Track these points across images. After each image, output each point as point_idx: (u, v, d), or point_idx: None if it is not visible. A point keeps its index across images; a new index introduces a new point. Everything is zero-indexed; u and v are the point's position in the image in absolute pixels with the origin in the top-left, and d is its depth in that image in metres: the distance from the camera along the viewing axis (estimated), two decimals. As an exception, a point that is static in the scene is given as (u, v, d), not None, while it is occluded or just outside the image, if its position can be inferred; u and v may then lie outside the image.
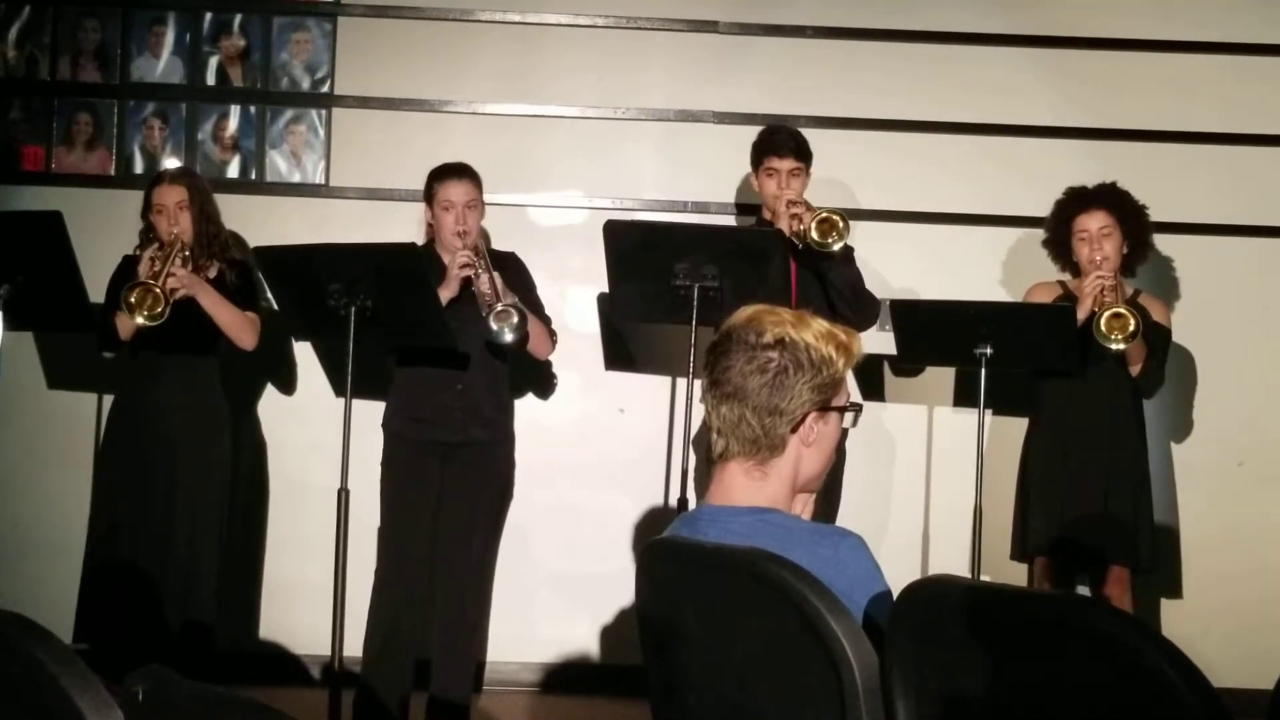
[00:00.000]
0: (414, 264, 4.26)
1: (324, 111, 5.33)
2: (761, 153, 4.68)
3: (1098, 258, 4.62)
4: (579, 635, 5.26)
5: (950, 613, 1.68)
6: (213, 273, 4.67)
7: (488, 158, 4.94)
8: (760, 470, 2.13)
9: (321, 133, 5.33)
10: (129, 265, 4.62)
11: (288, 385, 5.28)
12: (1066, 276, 4.82)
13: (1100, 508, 4.65)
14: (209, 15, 5.34)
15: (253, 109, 5.33)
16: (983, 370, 4.49)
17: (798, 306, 3.30)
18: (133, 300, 4.38)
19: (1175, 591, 5.24)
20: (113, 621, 4.56)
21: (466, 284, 4.47)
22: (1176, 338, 4.90)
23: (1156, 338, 4.68)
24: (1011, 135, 5.33)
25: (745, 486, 2.14)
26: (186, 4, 5.33)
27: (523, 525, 5.21)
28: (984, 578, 4.56)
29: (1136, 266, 4.80)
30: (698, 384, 3.06)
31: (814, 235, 4.44)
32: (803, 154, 4.66)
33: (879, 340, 4.94)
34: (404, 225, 4.98)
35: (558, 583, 5.25)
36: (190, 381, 4.66)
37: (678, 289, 4.36)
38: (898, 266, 5.25)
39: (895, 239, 5.29)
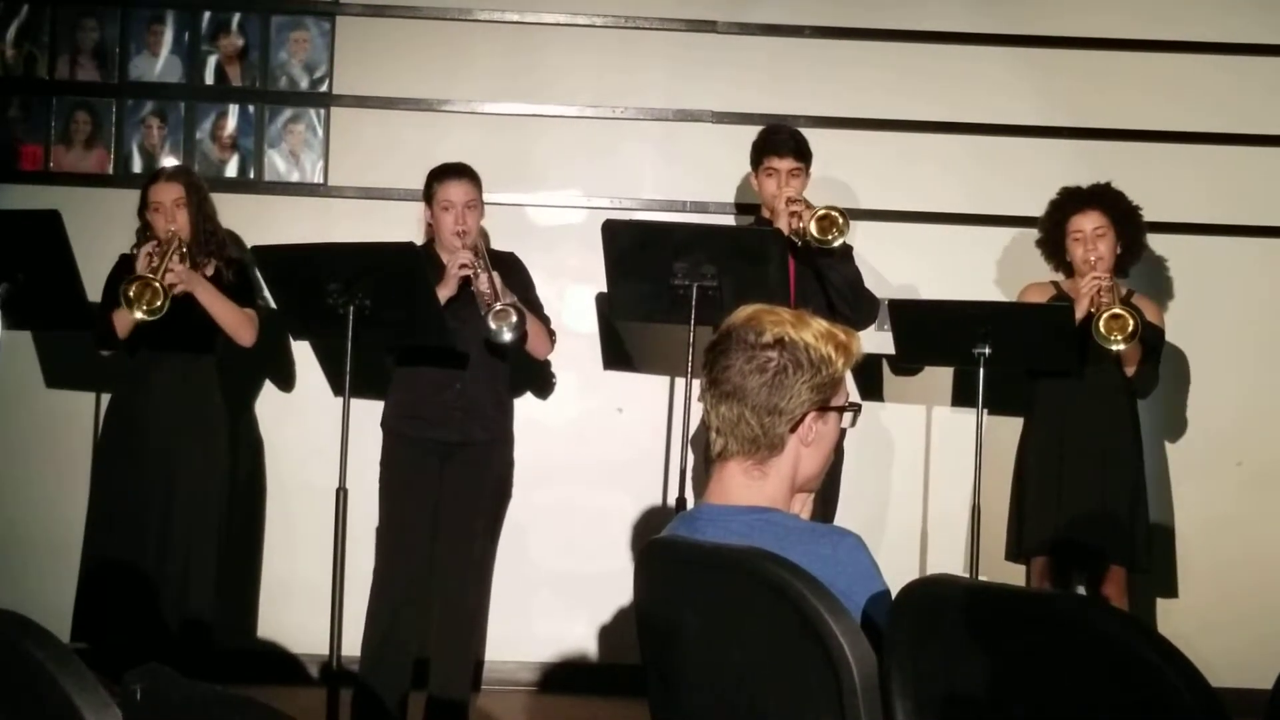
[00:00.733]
0: (413, 263, 4.25)
1: (322, 111, 5.33)
2: (761, 152, 4.69)
3: (1092, 258, 4.63)
4: (577, 634, 5.27)
5: (948, 612, 1.68)
6: (210, 270, 4.67)
7: (486, 157, 4.94)
8: (759, 470, 2.13)
9: (320, 132, 5.33)
10: (126, 263, 4.62)
11: (286, 383, 5.27)
12: (1060, 277, 4.83)
13: (1096, 507, 4.65)
14: (207, 14, 5.34)
15: (251, 108, 5.33)
16: (981, 370, 4.49)
17: (797, 306, 3.30)
18: (131, 294, 4.38)
19: (1172, 591, 5.25)
20: (111, 620, 4.56)
21: (465, 283, 4.47)
22: (1170, 338, 4.91)
23: (1151, 338, 4.69)
24: (1010, 135, 5.33)
25: (744, 486, 2.14)
26: (185, 3, 5.33)
27: (521, 525, 5.21)
28: (982, 577, 4.56)
29: (1130, 267, 4.81)
30: (696, 383, 3.06)
31: (814, 232, 4.44)
32: (802, 154, 4.67)
33: (877, 340, 4.95)
34: (402, 224, 4.98)
35: (556, 582, 5.25)
36: (187, 380, 4.66)
37: (676, 288, 4.36)
38: (896, 266, 5.25)
39: (894, 238, 5.30)
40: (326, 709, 4.12)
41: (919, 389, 5.28)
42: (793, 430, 2.12)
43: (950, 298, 4.86)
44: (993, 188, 5.33)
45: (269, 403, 5.28)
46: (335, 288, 4.14)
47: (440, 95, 5.33)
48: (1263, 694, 1.59)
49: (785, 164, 4.63)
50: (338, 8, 5.34)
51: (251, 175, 5.32)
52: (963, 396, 5.20)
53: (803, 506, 2.20)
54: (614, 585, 4.97)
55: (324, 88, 5.33)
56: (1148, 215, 4.81)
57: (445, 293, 4.41)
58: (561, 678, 5.25)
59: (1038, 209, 4.87)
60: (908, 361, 5.01)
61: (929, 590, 1.75)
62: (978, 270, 5.29)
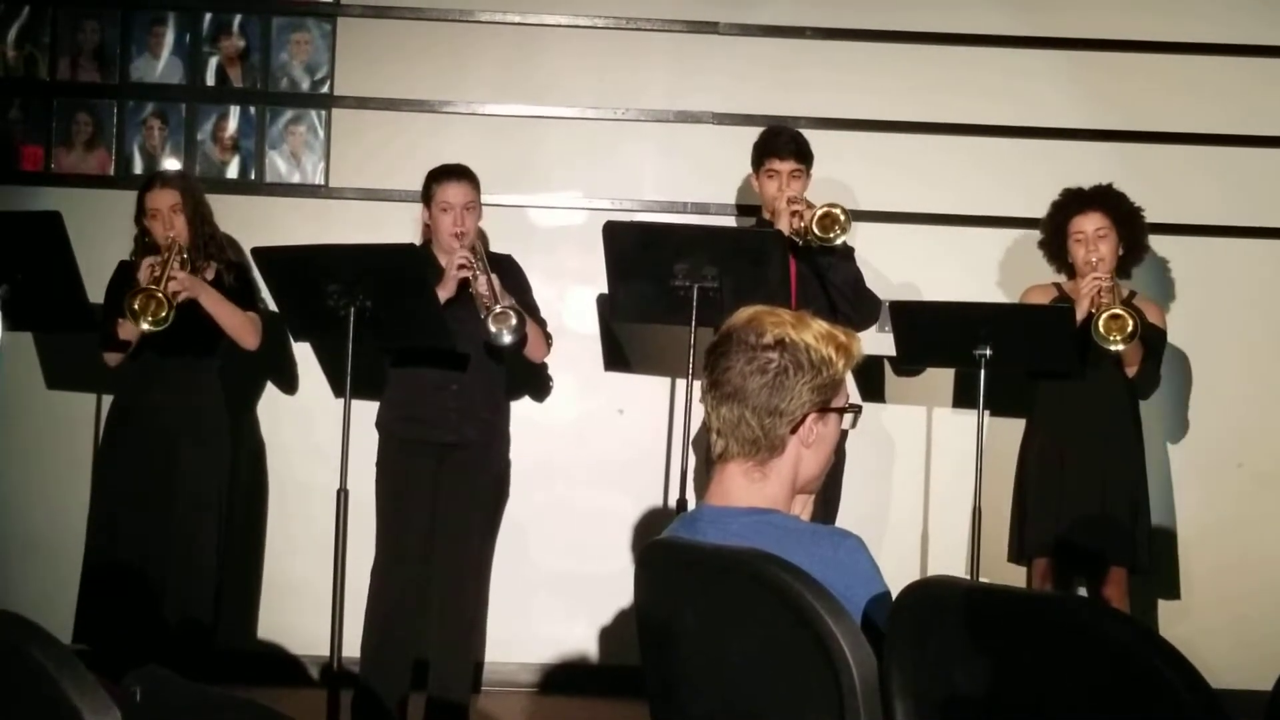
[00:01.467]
0: (413, 265, 4.26)
1: (323, 112, 5.33)
2: (762, 154, 4.69)
3: (1094, 259, 4.63)
4: (578, 636, 5.27)
5: (949, 614, 1.68)
6: (210, 274, 4.67)
7: (487, 158, 4.94)
8: (760, 471, 2.13)
9: (321, 133, 5.33)
10: (125, 271, 4.62)
11: (289, 385, 5.28)
12: (1062, 278, 4.83)
13: (1098, 509, 4.65)
14: (208, 16, 5.34)
15: (252, 109, 5.33)
16: (982, 371, 4.49)
17: (798, 307, 3.30)
18: (136, 307, 4.39)
19: (1173, 592, 5.25)
20: (112, 622, 4.56)
21: (463, 285, 4.47)
22: (1172, 339, 4.90)
23: (1152, 339, 4.69)
24: (1010, 136, 5.33)
25: (745, 487, 2.14)
26: (186, 4, 5.33)
27: (522, 526, 5.21)
28: (983, 579, 4.56)
29: (1132, 268, 4.81)
30: (697, 385, 3.06)
31: (816, 230, 4.44)
32: (803, 155, 4.67)
33: (879, 341, 4.95)
34: (403, 226, 4.99)
35: (557, 583, 5.25)
36: (188, 383, 4.66)
37: (677, 290, 4.36)
38: (897, 267, 5.25)
39: (895, 240, 5.29)
40: (327, 710, 4.12)
41: (920, 390, 5.28)
42: (793, 431, 2.12)
43: (951, 299, 4.86)
44: (994, 189, 5.33)
45: (270, 404, 5.28)
46: (336, 289, 4.14)
47: (441, 97, 5.33)
48: (1263, 696, 1.59)
49: (786, 165, 4.63)
50: (339, 9, 5.34)
51: (252, 177, 5.32)
52: (964, 398, 5.20)
53: (803, 508, 2.20)
54: (614, 587, 4.97)
55: (325, 89, 5.34)
56: (1152, 216, 4.81)
57: (443, 294, 4.41)
58: (562, 679, 5.25)
59: (1039, 211, 4.87)
60: (909, 363, 5.01)
61: (929, 592, 1.75)
62: (979, 272, 5.29)
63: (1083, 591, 4.86)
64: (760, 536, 2.04)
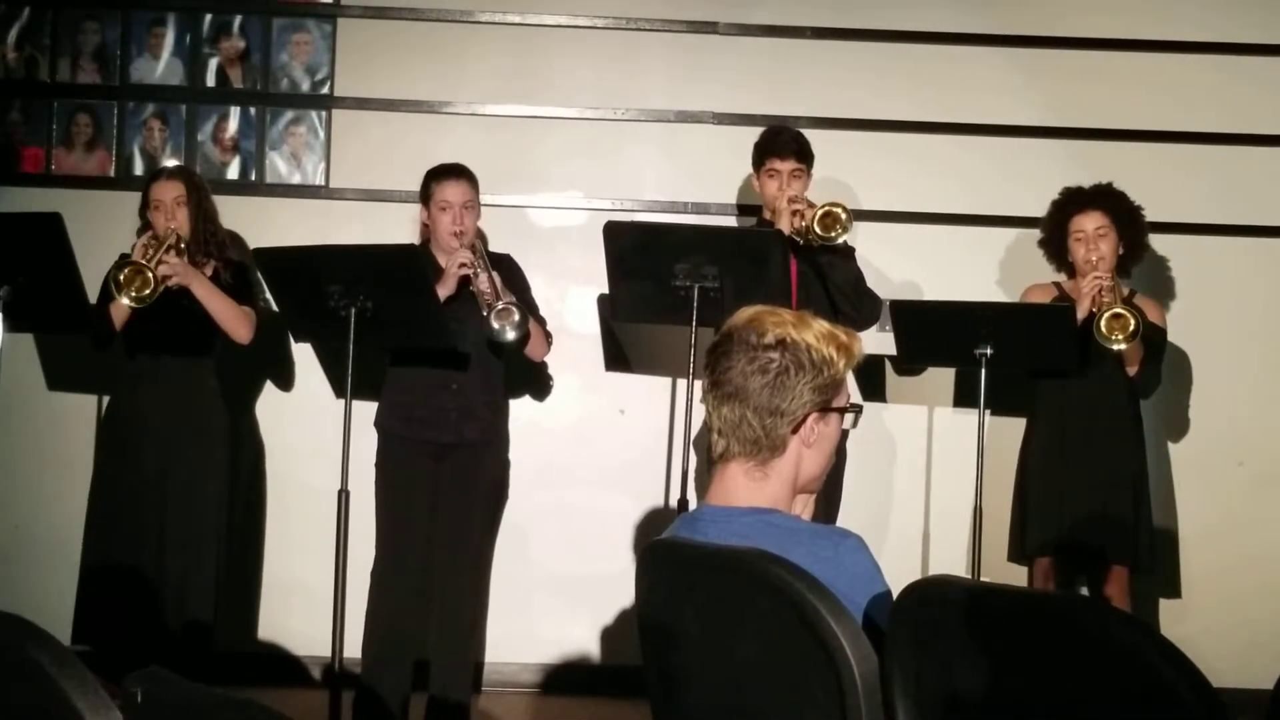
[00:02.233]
0: (414, 265, 4.25)
1: (324, 113, 5.33)
2: (763, 154, 4.68)
3: (1094, 258, 4.63)
4: (579, 636, 5.27)
5: (950, 613, 1.68)
6: (208, 271, 4.67)
7: (487, 159, 4.94)
8: (761, 471, 2.13)
9: (321, 134, 5.33)
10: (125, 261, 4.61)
11: (286, 383, 5.27)
12: (1062, 277, 4.82)
13: (1099, 508, 4.65)
14: (209, 17, 5.34)
15: (252, 110, 5.33)
16: (983, 371, 4.49)
17: (799, 306, 3.30)
18: (122, 279, 4.37)
19: (1174, 591, 5.25)
20: (112, 623, 4.56)
21: (464, 284, 4.47)
22: (1172, 338, 4.91)
23: (1152, 338, 4.69)
24: (1012, 136, 5.33)
25: (746, 487, 2.14)
26: (186, 5, 5.33)
27: (523, 526, 5.21)
28: (984, 578, 4.56)
29: (1132, 267, 4.81)
30: (698, 385, 3.06)
31: (817, 229, 4.44)
32: (804, 155, 4.67)
33: (879, 340, 4.95)
34: (404, 226, 4.99)
35: (558, 583, 5.25)
36: (187, 382, 4.65)
37: (678, 290, 4.36)
38: (898, 266, 5.25)
39: (896, 239, 5.29)
40: (328, 711, 4.12)
41: (921, 390, 5.28)
42: (794, 431, 2.12)
43: (952, 298, 4.86)
44: (995, 189, 5.33)
45: (270, 404, 5.28)
46: (337, 290, 4.14)
47: (441, 97, 5.33)
48: (1265, 694, 1.59)
49: (787, 165, 4.63)
50: (339, 10, 5.34)
51: (253, 177, 5.32)
52: (965, 397, 5.20)
53: (804, 508, 2.20)
54: (615, 587, 4.97)
55: (325, 90, 5.34)
56: (1152, 216, 4.81)
57: (444, 292, 4.41)
58: (563, 679, 5.25)
59: (1040, 210, 4.87)
60: (910, 362, 5.01)
61: (930, 591, 1.75)
62: (980, 271, 5.29)
63: (1084, 591, 4.86)
64: (761, 536, 2.04)
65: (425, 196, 4.60)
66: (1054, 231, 4.77)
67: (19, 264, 4.21)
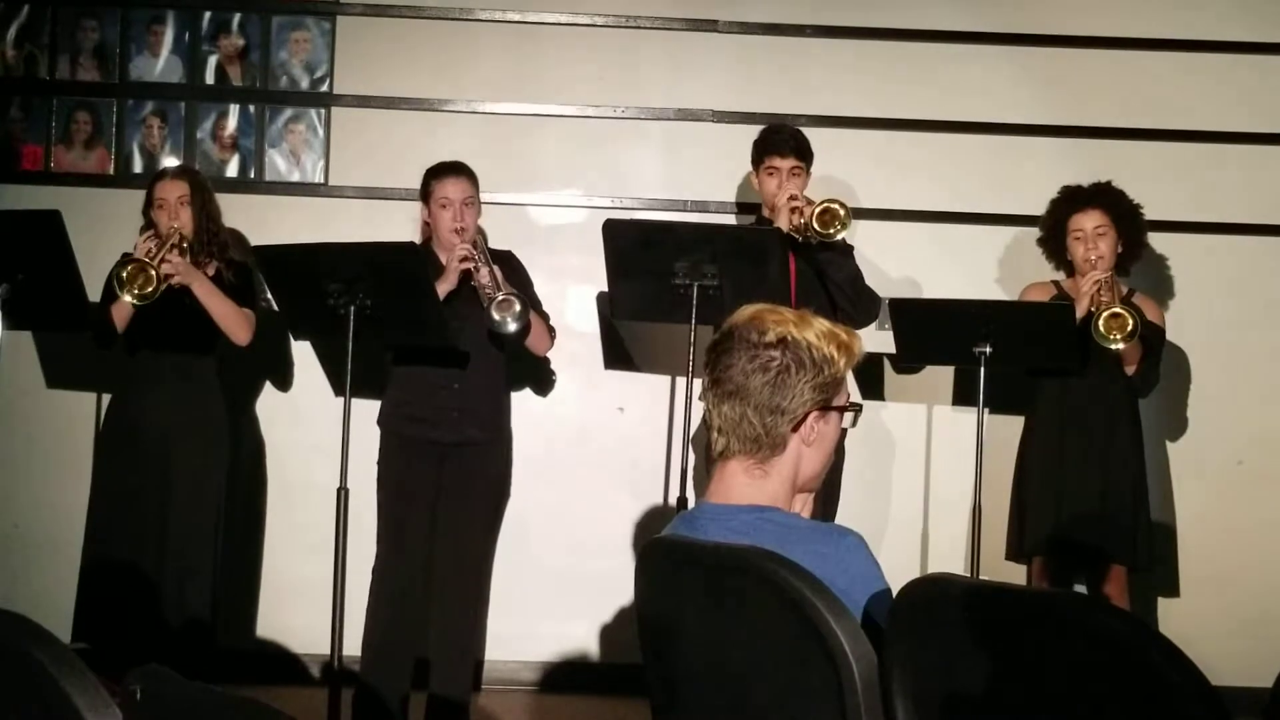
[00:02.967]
0: (413, 263, 4.25)
1: (323, 110, 5.33)
2: (762, 152, 4.68)
3: (1093, 257, 4.63)
4: (578, 634, 5.27)
5: (949, 611, 1.68)
6: (211, 271, 4.67)
7: (487, 157, 4.94)
8: (760, 469, 2.13)
9: (320, 132, 5.33)
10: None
11: (284, 383, 5.27)
12: (1061, 276, 4.83)
13: (1097, 506, 4.65)
14: (208, 14, 5.34)
15: (252, 108, 5.33)
16: (982, 369, 4.49)
17: (798, 304, 3.30)
18: (124, 276, 4.37)
19: (1173, 590, 5.25)
20: (111, 621, 4.56)
21: (465, 279, 4.46)
22: (1171, 336, 4.91)
23: (1151, 337, 4.69)
24: (1010, 134, 5.33)
25: (745, 485, 2.14)
26: (185, 3, 5.33)
27: (522, 524, 5.21)
28: (983, 576, 4.56)
29: (1131, 266, 4.81)
30: (697, 383, 3.06)
31: (816, 226, 4.44)
32: (803, 153, 4.67)
33: (879, 339, 4.95)
34: (403, 224, 4.98)
35: (557, 581, 5.25)
36: (187, 380, 4.65)
37: (677, 288, 4.36)
38: (897, 265, 5.25)
39: (895, 237, 5.29)
40: (327, 709, 4.12)
41: (920, 388, 5.28)
42: (794, 430, 2.12)
43: (951, 296, 4.86)
44: (994, 187, 5.33)
45: (270, 402, 5.28)
46: (336, 288, 4.14)
47: (441, 95, 5.33)
48: (1263, 693, 1.59)
49: (786, 163, 4.63)
50: (338, 7, 5.34)
51: (252, 175, 5.32)
52: (964, 395, 5.20)
53: (803, 506, 2.20)
54: (615, 584, 4.97)
55: (324, 87, 5.34)
56: (1151, 214, 4.81)
57: (446, 287, 4.41)
58: (562, 677, 5.25)
59: (1039, 208, 4.87)
60: (909, 360, 5.00)
61: (929, 589, 1.75)
62: (979, 269, 5.29)
63: (1082, 589, 4.86)
64: (761, 534, 2.04)
65: (425, 194, 4.60)
66: (1053, 230, 4.77)
67: (18, 262, 4.21)
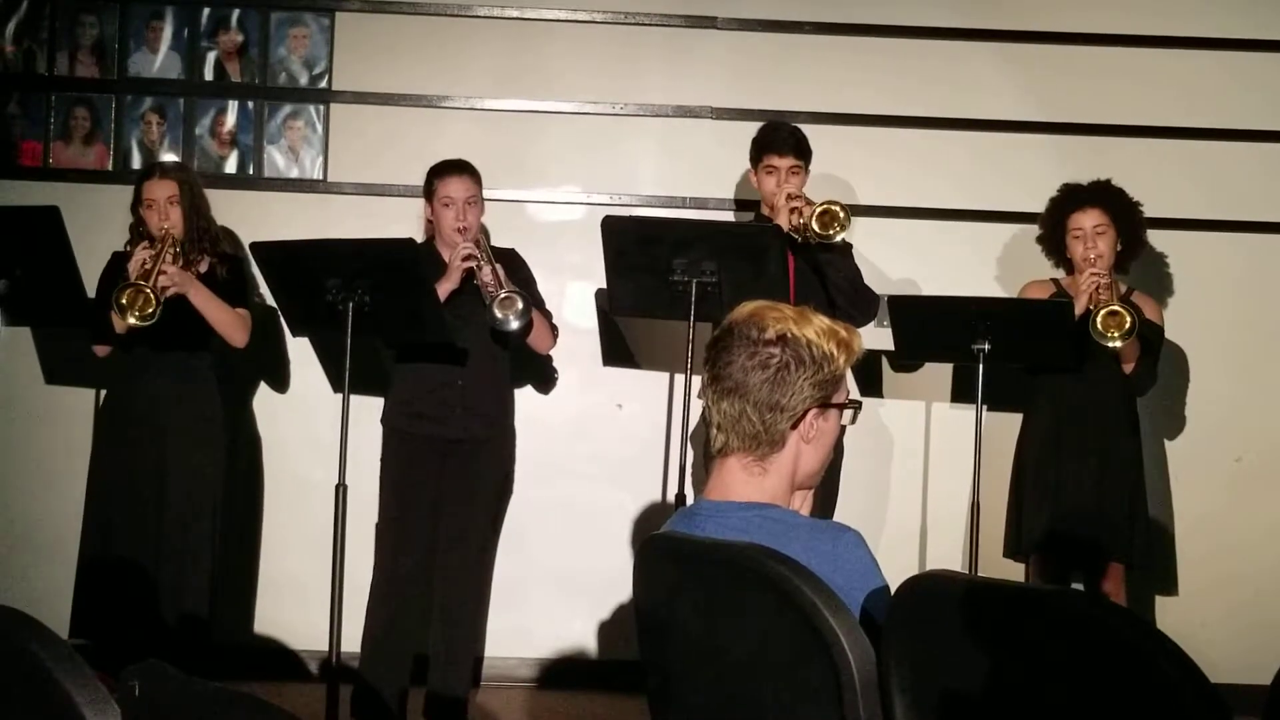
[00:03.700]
0: (412, 259, 4.25)
1: (322, 107, 5.32)
2: (761, 150, 4.68)
3: (1092, 255, 4.63)
4: (577, 631, 5.27)
5: (947, 608, 1.68)
6: (203, 267, 4.66)
7: (486, 153, 4.94)
8: (760, 466, 2.13)
9: (319, 128, 5.32)
10: (119, 261, 4.61)
11: (281, 384, 5.27)
12: (1060, 274, 4.83)
13: (1095, 504, 4.66)
14: (207, 10, 5.33)
15: (250, 104, 5.32)
16: (980, 366, 4.49)
17: (797, 302, 3.30)
18: (124, 302, 4.37)
19: (1170, 587, 5.25)
20: (109, 616, 4.56)
21: (469, 278, 4.46)
22: (1169, 334, 4.91)
23: (1149, 335, 4.69)
24: (1010, 131, 5.33)
25: (744, 482, 2.14)
26: (184, -1, 5.33)
27: (521, 521, 5.21)
28: (981, 573, 4.56)
29: (1130, 264, 4.81)
30: (696, 379, 3.06)
31: (815, 227, 4.43)
32: (802, 151, 4.66)
33: (877, 336, 4.94)
34: (402, 221, 4.98)
35: (556, 578, 5.26)
36: (183, 376, 4.65)
37: (676, 284, 4.36)
38: (896, 262, 5.25)
39: (894, 235, 5.29)
40: (326, 705, 4.12)
41: (918, 385, 5.28)
42: (794, 427, 2.12)
43: (950, 294, 4.86)
44: (993, 184, 5.33)
45: (268, 399, 5.28)
46: (335, 284, 4.14)
47: (440, 91, 5.33)
48: (1262, 690, 1.59)
49: (785, 161, 4.62)
50: (337, 4, 5.34)
51: (251, 171, 5.31)
52: (962, 393, 5.20)
53: (802, 503, 2.20)
54: (613, 581, 4.97)
55: (323, 84, 5.33)
56: (1149, 212, 4.82)
57: (449, 285, 4.41)
58: (561, 674, 5.25)
59: (1038, 206, 4.87)
60: (907, 358, 5.01)
61: (928, 586, 1.75)
62: (978, 267, 5.29)
63: (1080, 586, 4.86)
64: (759, 531, 2.04)
65: (428, 192, 4.60)
66: (1052, 228, 4.77)
67: (17, 257, 4.21)
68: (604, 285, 4.62)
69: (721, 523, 2.10)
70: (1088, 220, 4.67)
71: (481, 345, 4.52)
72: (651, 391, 5.26)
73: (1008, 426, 4.94)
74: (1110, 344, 4.48)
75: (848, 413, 2.20)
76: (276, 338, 5.08)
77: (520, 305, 4.37)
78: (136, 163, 5.25)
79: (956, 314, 4.53)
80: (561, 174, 5.35)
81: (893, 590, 1.82)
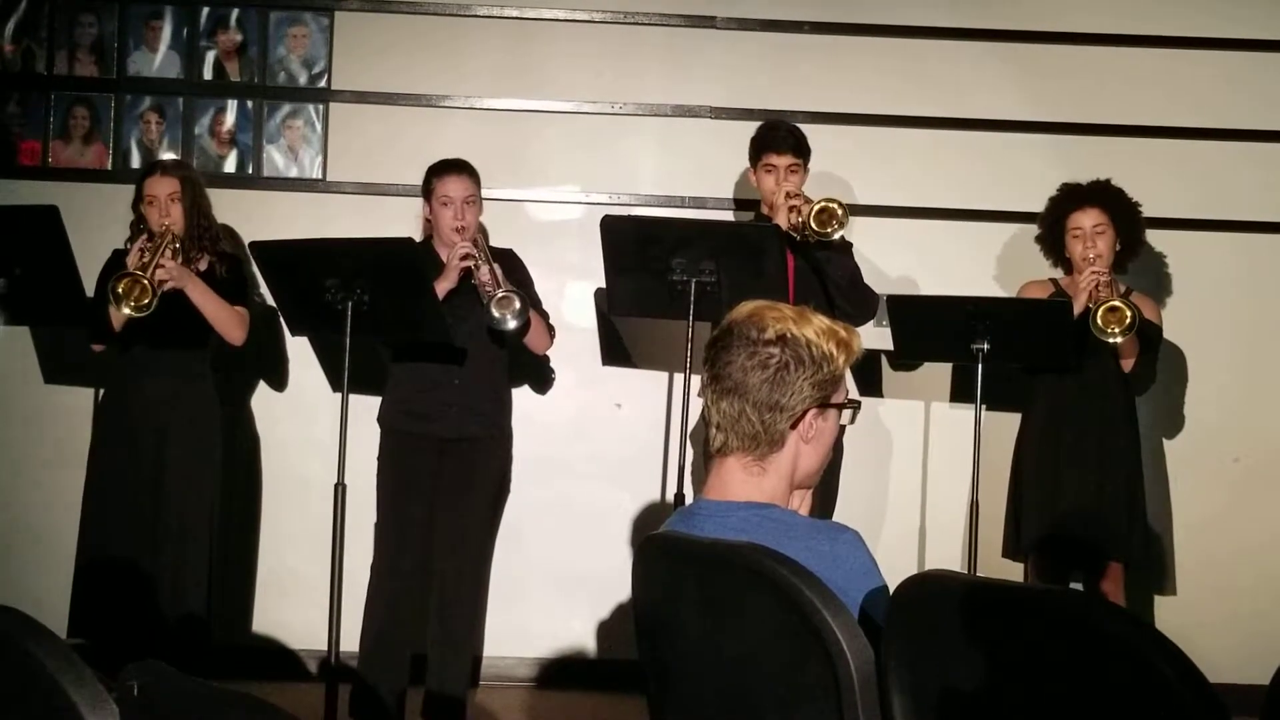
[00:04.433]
0: (411, 259, 4.25)
1: (321, 106, 5.32)
2: (760, 149, 4.68)
3: (1091, 255, 4.63)
4: (576, 630, 5.27)
5: (946, 608, 1.68)
6: (203, 265, 4.66)
7: (485, 153, 4.94)
8: (759, 466, 2.13)
9: (318, 127, 5.32)
10: (119, 258, 4.61)
11: (279, 382, 5.27)
12: (1059, 273, 4.83)
13: (1094, 504, 4.66)
14: (206, 10, 5.33)
15: (250, 104, 5.32)
16: (979, 366, 4.49)
17: (796, 301, 3.30)
18: (120, 290, 4.37)
19: (1169, 587, 5.25)
20: (107, 616, 4.55)
21: (466, 277, 4.46)
22: (1167, 334, 4.92)
23: (1148, 334, 4.69)
24: (1009, 131, 5.33)
25: (743, 482, 2.14)
26: (183, -2, 5.33)
27: (520, 520, 5.21)
28: (980, 573, 4.56)
29: (1129, 263, 4.81)
30: (695, 379, 3.06)
31: (813, 225, 4.44)
32: (801, 150, 4.66)
33: (876, 336, 4.94)
34: (401, 220, 4.98)
35: (555, 578, 5.25)
36: (181, 374, 4.65)
37: (675, 284, 4.36)
38: (895, 262, 5.25)
39: (893, 234, 5.29)
40: (325, 705, 4.12)
41: (917, 385, 5.28)
42: (793, 427, 2.12)
43: (949, 294, 4.86)
44: (993, 184, 5.32)
45: (267, 398, 5.28)
46: (334, 283, 4.14)
47: (439, 91, 5.33)
48: (1261, 690, 1.59)
49: (784, 160, 4.62)
50: (336, 3, 5.34)
51: (250, 171, 5.31)
52: (961, 392, 5.20)
53: (801, 503, 2.20)
54: (612, 581, 4.97)
55: (322, 83, 5.33)
56: (1148, 211, 4.82)
57: (447, 284, 4.41)
58: (560, 673, 5.25)
59: (1037, 205, 4.87)
60: (906, 357, 5.01)
61: (927, 586, 1.75)
62: (977, 266, 5.29)
63: (1079, 586, 4.86)
64: (758, 531, 2.04)
65: (427, 191, 4.60)
66: (1051, 228, 4.77)
67: (16, 257, 4.21)
68: (603, 285, 4.62)
69: (721, 522, 2.10)
70: (1087, 220, 4.67)
71: (479, 345, 4.52)
72: (650, 391, 5.26)
73: (1007, 426, 4.94)
74: (1111, 340, 4.48)
75: (847, 412, 2.19)
76: (276, 337, 5.08)
77: (518, 305, 4.37)
78: (136, 162, 5.25)
79: (955, 314, 4.53)
80: (560, 173, 5.35)
81: (892, 590, 1.82)
